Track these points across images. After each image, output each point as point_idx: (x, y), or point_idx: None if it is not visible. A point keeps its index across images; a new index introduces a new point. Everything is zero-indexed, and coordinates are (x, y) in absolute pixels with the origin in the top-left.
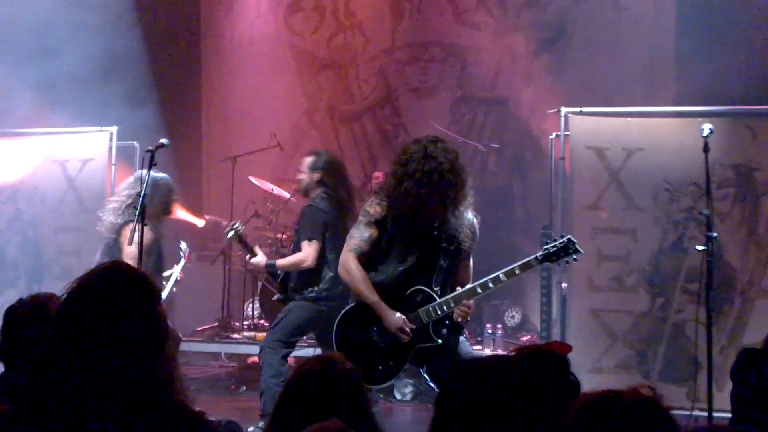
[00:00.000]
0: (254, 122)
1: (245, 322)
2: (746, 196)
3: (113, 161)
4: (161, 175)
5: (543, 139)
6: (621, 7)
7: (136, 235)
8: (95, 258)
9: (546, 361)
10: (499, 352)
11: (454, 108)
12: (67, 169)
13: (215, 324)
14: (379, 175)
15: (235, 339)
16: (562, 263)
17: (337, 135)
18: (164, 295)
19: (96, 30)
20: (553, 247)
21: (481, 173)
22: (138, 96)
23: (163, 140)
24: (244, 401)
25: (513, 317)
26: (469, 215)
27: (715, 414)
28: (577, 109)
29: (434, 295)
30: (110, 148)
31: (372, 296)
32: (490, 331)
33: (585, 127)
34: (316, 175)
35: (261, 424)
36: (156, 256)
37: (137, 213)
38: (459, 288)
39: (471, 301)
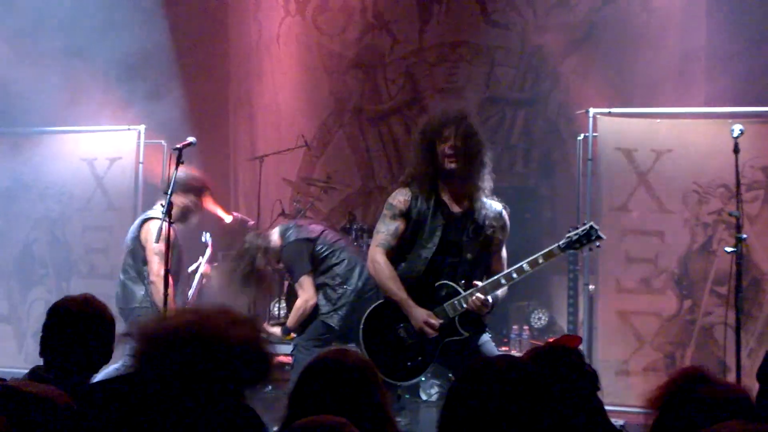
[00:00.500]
0: (281, 121)
1: (271, 322)
2: None
3: (141, 160)
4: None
5: (570, 140)
6: (651, 8)
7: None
8: (121, 258)
9: (559, 359)
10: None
11: (482, 108)
12: (95, 167)
13: None
14: None
15: None
16: (585, 250)
17: (364, 135)
18: (192, 290)
19: (124, 28)
20: (575, 234)
21: (508, 174)
22: (165, 94)
23: (191, 138)
24: (270, 400)
25: (540, 319)
26: (498, 206)
27: None
28: (606, 110)
29: (459, 289)
30: (138, 147)
31: (399, 293)
32: (516, 333)
33: (613, 129)
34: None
35: None
36: (177, 252)
37: (164, 210)
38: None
39: (484, 296)
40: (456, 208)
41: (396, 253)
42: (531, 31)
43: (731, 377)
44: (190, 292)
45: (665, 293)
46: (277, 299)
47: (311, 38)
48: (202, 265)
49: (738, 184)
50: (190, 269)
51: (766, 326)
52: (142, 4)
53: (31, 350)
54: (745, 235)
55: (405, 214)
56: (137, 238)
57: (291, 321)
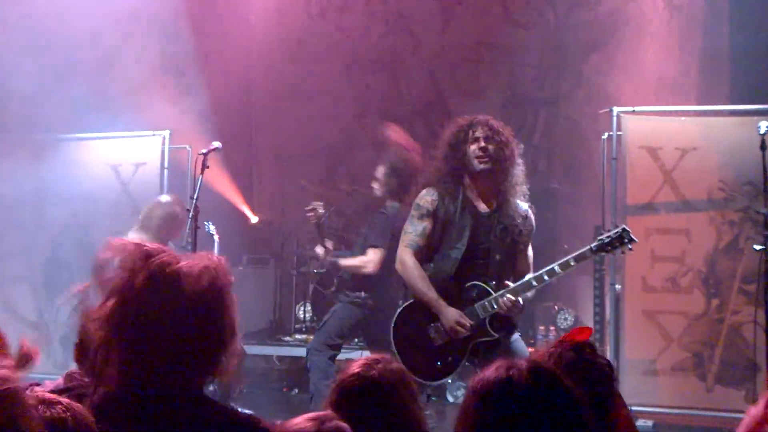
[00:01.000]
0: (303, 124)
1: (296, 325)
2: None
3: (166, 165)
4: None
5: (593, 139)
6: (673, 5)
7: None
8: None
9: (569, 357)
10: None
11: (504, 109)
12: (121, 173)
13: (267, 326)
14: None
15: (287, 341)
16: (617, 253)
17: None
18: None
19: (148, 35)
20: (607, 237)
21: (530, 174)
22: (189, 99)
23: (216, 143)
24: (296, 403)
25: (566, 319)
26: (524, 206)
27: None
28: (630, 109)
29: (489, 290)
30: (163, 152)
31: (429, 293)
32: (542, 334)
33: (638, 127)
34: (393, 184)
35: None
36: None
37: (189, 216)
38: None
39: (515, 297)
40: (483, 208)
41: (423, 254)
42: (552, 30)
43: (761, 376)
44: None
45: (692, 292)
46: (302, 302)
47: (333, 40)
48: None
49: (765, 180)
50: None
51: None
52: (167, 13)
53: (59, 355)
54: None
55: (433, 214)
56: None
57: (345, 262)
